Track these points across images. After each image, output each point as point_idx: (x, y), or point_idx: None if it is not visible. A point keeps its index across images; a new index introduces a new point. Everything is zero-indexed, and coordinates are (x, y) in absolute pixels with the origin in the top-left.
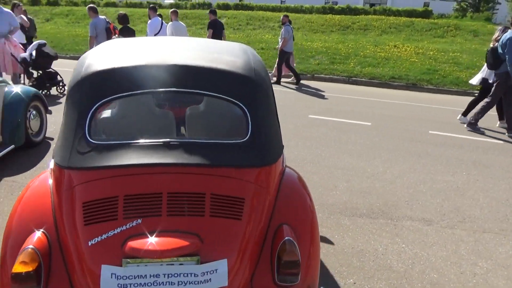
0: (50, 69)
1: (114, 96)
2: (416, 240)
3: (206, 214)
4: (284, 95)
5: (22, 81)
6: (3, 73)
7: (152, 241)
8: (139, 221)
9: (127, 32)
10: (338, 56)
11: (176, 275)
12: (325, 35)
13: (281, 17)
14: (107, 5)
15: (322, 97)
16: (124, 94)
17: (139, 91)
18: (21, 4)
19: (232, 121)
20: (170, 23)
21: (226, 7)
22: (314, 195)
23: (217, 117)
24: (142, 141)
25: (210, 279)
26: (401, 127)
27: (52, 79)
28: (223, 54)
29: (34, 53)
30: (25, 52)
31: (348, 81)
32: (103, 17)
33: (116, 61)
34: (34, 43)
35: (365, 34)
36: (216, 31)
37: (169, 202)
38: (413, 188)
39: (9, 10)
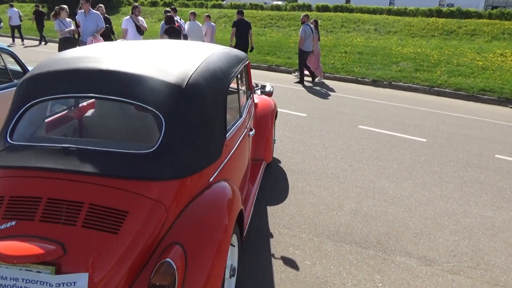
0: None
1: (38, 100)
2: (399, 281)
3: (78, 224)
4: (344, 101)
5: None
6: None
7: (12, 245)
8: (13, 223)
9: (173, 32)
10: (426, 63)
11: (33, 281)
12: (423, 40)
13: (301, 16)
14: (213, 6)
15: (384, 106)
16: (45, 98)
17: (58, 95)
18: (138, 5)
19: (145, 130)
20: (188, 22)
21: (325, 9)
22: (311, 213)
23: (129, 124)
24: (47, 144)
25: None
26: (462, 147)
27: None
28: (169, 60)
29: None
30: None
31: (429, 91)
32: (176, 18)
33: (54, 65)
34: (117, 41)
35: (471, 40)
36: (240, 30)
37: (45, 207)
38: (433, 219)
39: (97, 12)
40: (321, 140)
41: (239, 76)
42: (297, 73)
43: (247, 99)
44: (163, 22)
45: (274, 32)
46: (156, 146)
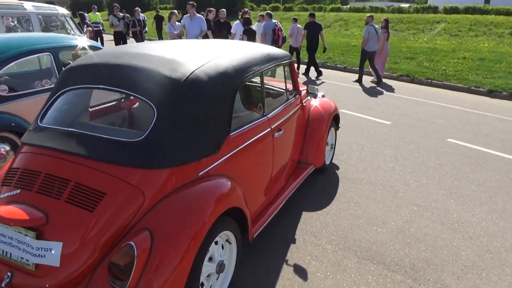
0: None
1: (66, 89)
2: None
3: (62, 199)
4: (438, 111)
5: None
6: None
7: (10, 209)
8: (18, 191)
9: (250, 33)
10: None
11: (21, 242)
12: None
13: (366, 17)
14: (332, 10)
15: (490, 120)
16: (70, 87)
17: (79, 86)
18: (248, 10)
19: (142, 121)
20: (257, 23)
21: (453, 10)
22: (347, 224)
23: (133, 115)
24: (60, 127)
25: (44, 255)
26: None
27: None
28: (182, 57)
29: None
30: None
31: None
32: (274, 21)
33: (88, 59)
34: None
35: None
36: (311, 32)
37: (42, 181)
38: (495, 254)
39: (201, 16)
40: (395, 150)
41: (265, 74)
42: (374, 78)
43: (287, 100)
44: (236, 21)
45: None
46: (143, 136)
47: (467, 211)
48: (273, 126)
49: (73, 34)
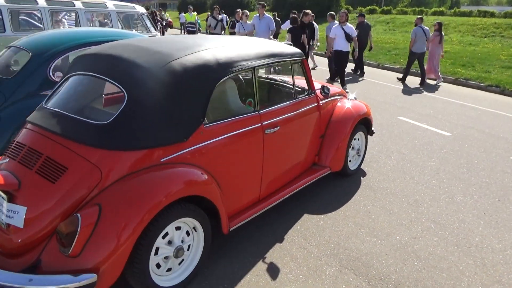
0: None
1: (68, 75)
2: None
3: (34, 169)
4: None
5: None
6: None
7: None
8: (7, 160)
9: (295, 32)
10: None
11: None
12: None
13: (415, 19)
14: (434, 13)
15: None
16: (72, 74)
17: (77, 73)
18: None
19: (117, 105)
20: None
21: None
22: (345, 232)
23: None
24: (54, 109)
25: (12, 216)
26: None
27: None
28: (169, 49)
29: None
30: None
31: None
32: (337, 22)
33: (92, 50)
34: (281, 43)
35: None
36: (361, 31)
37: (25, 153)
38: (507, 285)
39: (269, 16)
40: (440, 163)
41: (259, 69)
42: (439, 83)
43: (295, 98)
44: (335, 24)
45: (493, 42)
46: (110, 120)
47: (495, 236)
48: (266, 122)
49: (146, 32)
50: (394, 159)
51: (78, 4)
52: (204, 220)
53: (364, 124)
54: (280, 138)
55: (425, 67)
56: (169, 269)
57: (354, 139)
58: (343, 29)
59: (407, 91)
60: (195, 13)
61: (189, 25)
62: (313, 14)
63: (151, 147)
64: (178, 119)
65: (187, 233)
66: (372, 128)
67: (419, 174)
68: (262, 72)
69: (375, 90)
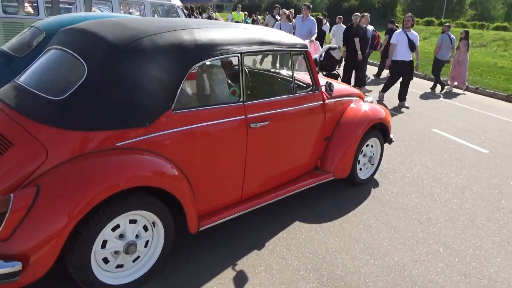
0: (334, 72)
1: (45, 50)
2: None
3: None
4: None
5: None
6: None
7: None
8: None
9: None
10: None
11: None
12: None
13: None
14: (496, 28)
15: None
16: (48, 48)
17: (53, 47)
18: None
19: (76, 81)
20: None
21: None
22: (336, 247)
23: (65, 74)
24: (18, 83)
25: None
26: None
27: None
28: (145, 26)
29: (323, 54)
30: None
31: None
32: (371, 27)
33: (71, 26)
34: (326, 46)
35: None
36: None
37: None
38: None
39: (313, 18)
40: (468, 181)
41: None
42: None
43: (293, 92)
44: (399, 30)
45: None
46: (66, 95)
47: None
48: (252, 115)
49: None
50: (416, 172)
51: None
52: (165, 216)
53: (380, 130)
54: (270, 135)
55: (451, 74)
56: (121, 266)
57: (367, 146)
58: (407, 35)
59: (444, 102)
60: (243, 13)
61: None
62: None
63: (105, 128)
64: (141, 101)
65: (145, 228)
66: (391, 136)
67: (440, 191)
68: (265, 64)
69: (410, 99)
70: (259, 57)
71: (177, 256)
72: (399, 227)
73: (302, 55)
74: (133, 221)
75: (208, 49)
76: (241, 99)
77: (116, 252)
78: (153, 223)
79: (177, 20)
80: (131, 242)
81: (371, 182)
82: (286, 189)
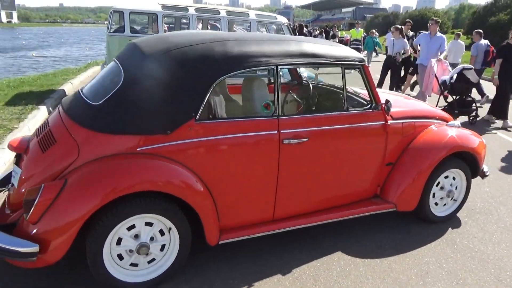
0: (468, 96)
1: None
2: None
3: (38, 139)
4: None
5: (436, 104)
6: (424, 92)
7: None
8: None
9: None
10: None
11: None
12: None
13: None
14: None
15: None
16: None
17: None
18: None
19: (112, 87)
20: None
21: None
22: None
23: (109, 82)
24: (78, 92)
25: (15, 177)
26: None
27: (464, 106)
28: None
29: (455, 76)
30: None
31: None
32: (485, 41)
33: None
34: (459, 66)
35: None
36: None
37: (42, 125)
38: None
39: (442, 35)
40: None
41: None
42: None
43: (345, 109)
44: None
45: None
46: (102, 101)
47: None
48: (286, 130)
49: None
50: None
51: (223, 13)
52: (181, 223)
53: (468, 160)
54: (311, 153)
55: None
56: (135, 265)
57: (446, 177)
58: None
59: None
60: (362, 30)
61: (354, 42)
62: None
63: (128, 133)
64: (164, 109)
65: (163, 232)
66: (485, 170)
67: None
68: (323, 79)
69: None
70: (317, 71)
71: (195, 264)
72: (466, 280)
73: (358, 70)
74: (149, 224)
75: (238, 61)
76: (276, 113)
77: (130, 251)
78: (170, 228)
79: (221, 33)
80: (143, 244)
81: (451, 221)
82: (330, 215)
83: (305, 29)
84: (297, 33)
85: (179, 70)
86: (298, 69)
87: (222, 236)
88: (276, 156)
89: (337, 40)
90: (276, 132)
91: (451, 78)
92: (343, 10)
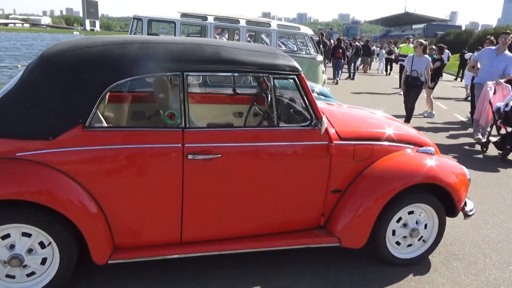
0: None
1: None
2: None
3: None
4: None
5: (488, 136)
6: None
7: None
8: None
9: None
10: None
11: None
12: None
13: None
14: None
15: None
16: None
17: None
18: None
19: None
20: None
21: None
22: None
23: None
24: None
25: None
26: None
27: None
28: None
29: (511, 103)
30: None
31: None
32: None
33: None
34: None
35: None
36: None
37: None
38: None
39: (510, 54)
40: None
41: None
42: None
43: (274, 125)
44: None
45: None
46: None
47: None
48: (192, 144)
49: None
50: (509, 271)
51: (242, 22)
52: (60, 238)
53: (442, 195)
54: (225, 172)
55: None
56: (12, 277)
57: (411, 213)
58: None
59: None
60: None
61: (400, 57)
62: None
63: (8, 136)
64: (49, 113)
65: (42, 244)
66: (468, 208)
67: None
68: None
69: None
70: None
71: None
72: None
73: (292, 80)
74: (26, 234)
75: (137, 65)
76: (182, 124)
77: (4, 262)
78: (50, 242)
79: (135, 37)
80: (15, 255)
81: (419, 266)
82: (258, 243)
83: (343, 43)
84: (325, 47)
85: (66, 73)
86: (268, 79)
87: (114, 255)
88: (179, 172)
89: (393, 57)
90: (180, 145)
91: (507, 105)
92: (414, 26)
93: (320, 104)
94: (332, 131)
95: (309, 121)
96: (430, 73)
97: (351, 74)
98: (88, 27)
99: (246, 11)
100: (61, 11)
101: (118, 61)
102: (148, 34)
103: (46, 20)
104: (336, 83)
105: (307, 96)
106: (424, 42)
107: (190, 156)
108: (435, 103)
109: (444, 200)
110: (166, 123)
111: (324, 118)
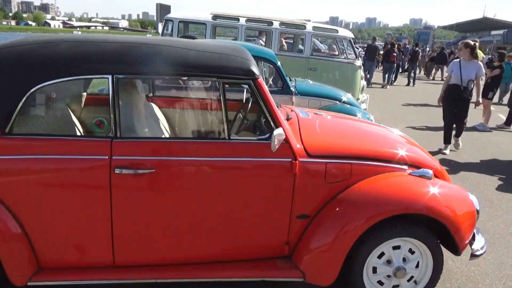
0: None
1: None
2: None
3: None
4: None
5: None
6: None
7: None
8: None
9: None
10: None
11: None
12: None
13: None
14: None
15: None
16: None
17: None
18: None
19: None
20: None
21: None
22: None
23: None
24: None
25: None
26: None
27: None
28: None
29: None
30: None
31: None
32: None
33: None
34: None
35: None
36: None
37: None
38: None
39: None
40: None
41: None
42: None
43: (225, 137)
44: None
45: None
46: None
47: None
48: (120, 157)
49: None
50: None
51: (276, 24)
52: None
53: (440, 231)
54: (161, 189)
55: None
56: None
57: (396, 249)
58: None
59: None
60: (481, 51)
61: None
62: None
63: None
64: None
65: None
66: (475, 247)
67: None
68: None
69: None
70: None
71: None
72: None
73: (248, 86)
74: None
75: (63, 66)
76: (112, 133)
77: None
78: None
79: (78, 35)
80: None
81: None
82: (206, 272)
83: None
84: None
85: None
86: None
87: (35, 277)
88: (107, 188)
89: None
90: (107, 157)
91: None
92: (492, 32)
93: (304, 113)
94: (297, 146)
95: (268, 134)
96: (480, 84)
97: (410, 80)
98: (160, 30)
99: (314, 16)
100: (138, 15)
101: (41, 62)
102: (183, 36)
103: (124, 24)
104: (385, 87)
105: (266, 104)
106: (471, 42)
107: (117, 170)
108: (494, 114)
109: (444, 234)
110: (93, 132)
111: (277, 130)
